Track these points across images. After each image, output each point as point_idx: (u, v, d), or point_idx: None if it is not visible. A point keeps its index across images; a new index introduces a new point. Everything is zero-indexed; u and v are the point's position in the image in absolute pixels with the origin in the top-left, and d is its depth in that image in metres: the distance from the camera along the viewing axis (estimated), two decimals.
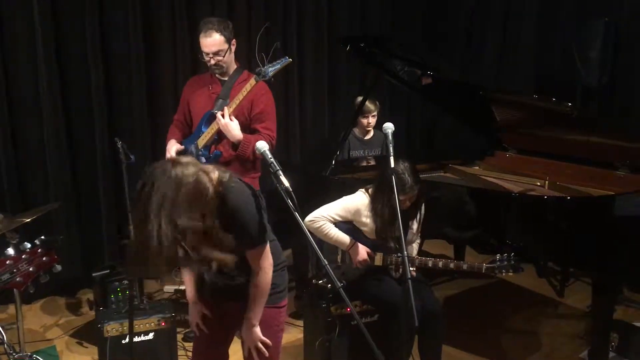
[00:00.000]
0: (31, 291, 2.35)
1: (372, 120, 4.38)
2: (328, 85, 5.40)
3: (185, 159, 1.98)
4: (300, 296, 4.08)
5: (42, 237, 2.37)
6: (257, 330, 2.28)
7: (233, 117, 3.31)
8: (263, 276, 2.20)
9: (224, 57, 3.36)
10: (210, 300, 2.40)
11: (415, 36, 5.78)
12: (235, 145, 3.36)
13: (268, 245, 2.19)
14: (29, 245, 2.34)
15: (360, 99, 4.25)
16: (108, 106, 4.32)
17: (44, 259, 2.33)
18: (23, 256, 2.31)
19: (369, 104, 4.29)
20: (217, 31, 3.30)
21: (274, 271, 2.25)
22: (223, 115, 3.29)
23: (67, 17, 4.10)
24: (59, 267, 2.37)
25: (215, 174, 2.00)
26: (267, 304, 2.28)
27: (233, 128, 3.30)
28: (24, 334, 3.32)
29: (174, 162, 1.93)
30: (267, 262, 2.21)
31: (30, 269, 2.30)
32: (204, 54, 3.38)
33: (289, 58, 3.14)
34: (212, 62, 3.37)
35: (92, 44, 4.17)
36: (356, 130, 4.44)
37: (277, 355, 2.41)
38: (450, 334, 3.42)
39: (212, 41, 3.31)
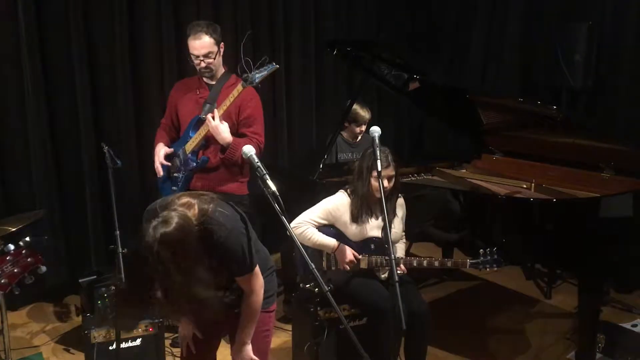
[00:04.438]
0: (16, 292, 2.31)
1: (364, 128, 4.35)
2: (315, 89, 5.39)
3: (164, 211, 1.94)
4: (288, 300, 4.07)
5: (27, 238, 2.33)
6: (249, 348, 2.27)
7: (223, 120, 3.31)
8: (255, 298, 2.20)
9: (214, 59, 3.35)
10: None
11: (400, 40, 5.79)
12: (224, 149, 3.35)
13: (257, 268, 2.18)
14: (12, 247, 2.29)
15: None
16: (94, 111, 4.29)
17: (28, 259, 2.29)
18: (7, 257, 2.27)
19: (363, 113, 4.26)
20: (206, 34, 3.30)
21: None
22: (213, 117, 3.28)
23: (52, 20, 4.07)
24: (44, 268, 2.32)
25: (195, 209, 1.98)
26: None
27: (223, 130, 3.29)
28: (9, 341, 3.28)
29: (157, 217, 1.90)
30: (258, 284, 2.21)
31: (15, 270, 2.25)
32: (193, 57, 3.37)
33: (276, 64, 3.15)
34: (202, 64, 3.36)
35: (78, 47, 4.14)
36: (344, 134, 4.42)
37: (266, 359, 2.41)
38: (438, 336, 3.43)
39: (202, 43, 3.30)
